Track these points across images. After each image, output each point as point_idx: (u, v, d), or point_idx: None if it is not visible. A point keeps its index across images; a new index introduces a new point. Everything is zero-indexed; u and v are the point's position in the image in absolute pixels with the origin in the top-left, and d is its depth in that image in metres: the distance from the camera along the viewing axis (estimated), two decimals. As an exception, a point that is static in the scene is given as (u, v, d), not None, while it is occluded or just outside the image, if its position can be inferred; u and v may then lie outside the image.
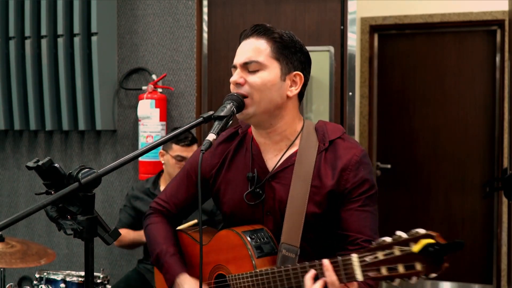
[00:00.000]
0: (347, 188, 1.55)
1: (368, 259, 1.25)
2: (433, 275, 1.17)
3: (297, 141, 1.60)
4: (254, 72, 1.54)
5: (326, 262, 1.34)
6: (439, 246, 1.14)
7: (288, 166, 1.59)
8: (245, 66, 1.55)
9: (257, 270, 1.50)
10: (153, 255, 1.75)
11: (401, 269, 1.19)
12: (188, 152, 2.92)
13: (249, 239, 1.56)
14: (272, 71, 1.54)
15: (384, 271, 1.22)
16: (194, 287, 1.64)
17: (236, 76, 1.55)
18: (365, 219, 1.55)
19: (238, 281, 1.56)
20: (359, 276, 1.28)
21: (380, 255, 1.23)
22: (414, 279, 1.19)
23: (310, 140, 1.59)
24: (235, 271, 1.57)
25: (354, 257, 1.28)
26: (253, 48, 1.55)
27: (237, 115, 1.55)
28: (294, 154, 1.59)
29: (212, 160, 1.72)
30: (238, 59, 1.57)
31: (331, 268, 1.33)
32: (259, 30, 1.57)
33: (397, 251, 1.20)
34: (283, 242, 1.55)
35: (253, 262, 1.53)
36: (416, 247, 1.17)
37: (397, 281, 1.21)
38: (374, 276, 1.24)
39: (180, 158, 2.93)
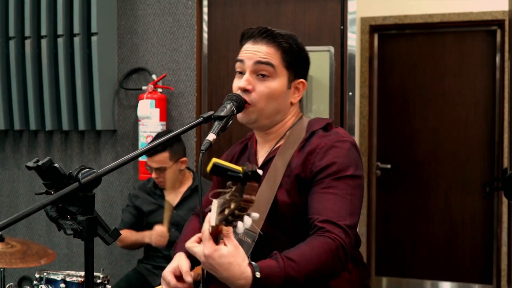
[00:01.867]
0: (313, 171, 1.48)
1: (220, 201, 1.16)
2: (253, 214, 1.11)
3: (286, 136, 1.61)
4: (263, 78, 1.52)
5: (208, 214, 1.27)
6: (230, 170, 1.08)
7: (270, 158, 1.59)
8: (257, 67, 1.52)
9: None
10: (175, 244, 1.78)
11: (232, 205, 1.10)
12: (151, 162, 2.85)
13: None
14: (281, 80, 1.54)
15: (226, 211, 1.12)
16: (173, 266, 1.59)
17: (245, 82, 1.52)
18: (328, 200, 1.42)
19: None
20: (212, 220, 1.18)
21: (227, 195, 1.13)
22: (247, 221, 1.11)
23: (297, 134, 1.59)
24: None
25: (215, 200, 1.19)
26: (266, 52, 1.53)
27: (239, 119, 1.56)
28: (279, 147, 1.60)
29: (227, 159, 1.77)
30: (249, 60, 1.53)
31: (208, 219, 1.25)
32: (270, 36, 1.54)
33: (234, 188, 1.12)
34: None
35: None
36: (208, 166, 1.11)
37: (239, 226, 1.12)
38: (221, 218, 1.14)
39: (148, 167, 2.91)
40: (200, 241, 1.37)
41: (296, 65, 1.57)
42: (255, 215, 1.12)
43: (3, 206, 3.81)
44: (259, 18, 3.31)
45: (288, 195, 1.52)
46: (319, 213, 1.40)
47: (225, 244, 1.22)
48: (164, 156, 2.84)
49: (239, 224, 1.13)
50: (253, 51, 1.53)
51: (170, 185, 2.95)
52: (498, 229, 4.33)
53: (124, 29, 3.49)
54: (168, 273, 1.52)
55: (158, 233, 2.81)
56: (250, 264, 1.25)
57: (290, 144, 1.57)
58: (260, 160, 1.64)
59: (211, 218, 1.19)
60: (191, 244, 1.33)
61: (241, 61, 1.55)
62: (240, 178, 1.07)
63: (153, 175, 2.89)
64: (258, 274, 1.24)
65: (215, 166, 1.11)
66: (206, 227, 1.23)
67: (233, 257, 1.21)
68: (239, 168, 1.08)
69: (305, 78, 1.62)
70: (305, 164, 1.50)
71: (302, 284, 1.30)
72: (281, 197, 1.53)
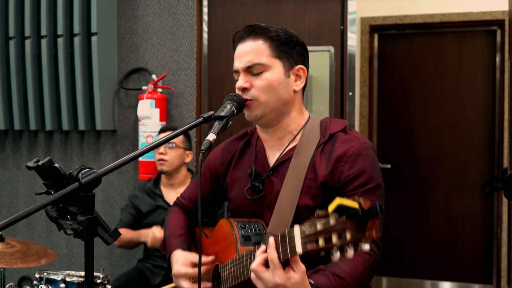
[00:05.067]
0: (341, 180, 1.50)
1: (307, 230, 1.17)
2: (365, 246, 1.10)
3: (299, 136, 1.60)
4: (258, 74, 1.53)
5: (271, 239, 1.29)
6: (352, 208, 1.08)
7: (286, 159, 1.58)
8: (248, 69, 1.54)
9: (237, 256, 1.49)
10: (163, 240, 1.81)
11: (334, 239, 1.11)
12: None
13: (238, 227, 1.56)
14: (275, 70, 1.54)
15: (321, 242, 1.13)
16: (182, 259, 1.65)
17: (241, 81, 1.54)
18: None
19: (224, 268, 1.57)
20: (298, 248, 1.18)
21: (319, 225, 1.14)
22: (350, 252, 1.11)
23: (311, 134, 1.58)
24: (225, 260, 1.57)
25: (296, 227, 1.20)
26: (253, 50, 1.54)
27: (246, 117, 1.56)
28: (293, 148, 1.59)
29: (223, 157, 1.75)
30: (240, 63, 1.56)
31: (273, 246, 1.28)
32: (255, 31, 1.56)
33: (332, 220, 1.12)
34: (268, 232, 1.53)
35: (237, 249, 1.52)
36: (330, 207, 1.11)
37: (336, 255, 1.12)
38: (312, 248, 1.15)
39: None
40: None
41: (288, 52, 1.56)
42: (366, 246, 1.11)
43: (3, 206, 3.81)
44: (259, 18, 3.31)
45: (312, 199, 1.52)
46: None
47: (294, 270, 1.27)
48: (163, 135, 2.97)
49: (337, 254, 1.13)
50: (242, 54, 1.56)
51: (170, 167, 2.97)
52: (498, 229, 4.33)
53: (124, 29, 3.49)
54: (182, 280, 1.58)
55: (154, 236, 2.82)
56: (310, 283, 1.32)
57: (306, 145, 1.56)
58: (272, 160, 1.62)
59: (296, 246, 1.20)
60: (259, 268, 1.30)
61: (235, 69, 1.58)
62: (361, 217, 1.08)
63: (160, 149, 2.94)
64: None
65: (340, 207, 1.11)
66: (275, 255, 1.27)
67: (303, 282, 1.29)
68: (355, 205, 1.09)
69: (304, 65, 1.60)
70: (333, 172, 1.51)
71: None
72: (305, 201, 1.53)
